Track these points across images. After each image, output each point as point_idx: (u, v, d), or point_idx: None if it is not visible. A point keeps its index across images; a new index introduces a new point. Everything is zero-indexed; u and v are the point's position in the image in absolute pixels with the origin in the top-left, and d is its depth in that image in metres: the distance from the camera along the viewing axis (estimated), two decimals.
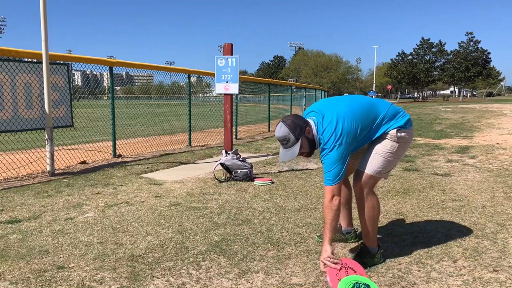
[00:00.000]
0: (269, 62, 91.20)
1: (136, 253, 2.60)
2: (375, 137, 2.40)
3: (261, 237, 2.88)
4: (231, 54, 5.02)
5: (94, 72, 6.97)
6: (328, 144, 2.25)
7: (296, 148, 2.30)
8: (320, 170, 5.28)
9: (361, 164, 2.44)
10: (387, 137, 2.39)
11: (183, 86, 8.61)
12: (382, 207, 3.60)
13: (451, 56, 57.54)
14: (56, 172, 5.22)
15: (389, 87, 72.19)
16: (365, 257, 2.42)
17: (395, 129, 2.37)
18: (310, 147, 2.35)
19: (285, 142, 2.32)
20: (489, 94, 76.27)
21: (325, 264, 2.21)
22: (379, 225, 3.09)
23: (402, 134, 2.39)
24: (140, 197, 4.01)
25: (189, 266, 2.41)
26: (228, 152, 4.91)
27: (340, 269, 2.17)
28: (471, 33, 56.15)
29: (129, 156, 6.81)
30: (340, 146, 2.23)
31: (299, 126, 2.30)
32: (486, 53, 54.80)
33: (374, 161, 2.40)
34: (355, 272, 2.17)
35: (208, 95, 16.66)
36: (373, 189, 2.46)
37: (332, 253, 2.23)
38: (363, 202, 2.42)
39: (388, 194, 4.08)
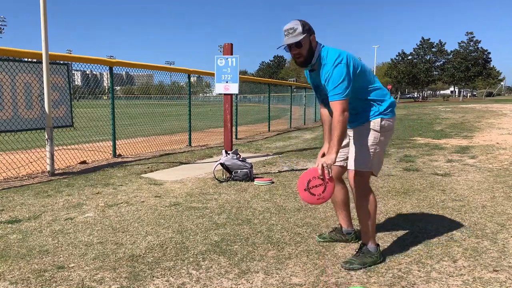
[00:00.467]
0: (269, 62, 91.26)
1: (136, 253, 2.60)
2: (365, 97, 2.44)
3: (261, 237, 2.88)
4: (231, 54, 5.02)
5: (94, 72, 6.98)
6: (330, 59, 2.31)
7: (299, 37, 2.33)
8: None
9: (349, 163, 2.49)
10: (370, 127, 2.42)
11: (183, 86, 8.61)
12: (382, 207, 3.60)
13: (451, 56, 57.59)
14: (56, 172, 5.22)
15: (389, 87, 72.11)
16: (365, 256, 2.42)
17: (380, 118, 2.42)
18: (308, 54, 2.39)
19: (291, 31, 2.36)
20: (489, 94, 76.28)
21: (322, 167, 2.28)
22: (379, 225, 3.09)
23: (385, 123, 2.43)
24: (140, 197, 4.01)
25: (189, 266, 2.41)
26: (228, 152, 4.91)
27: (322, 181, 2.29)
28: (471, 33, 56.25)
29: (129, 156, 6.81)
30: (343, 64, 2.28)
31: (308, 25, 2.39)
32: (486, 53, 54.85)
33: (360, 156, 2.43)
34: (325, 194, 2.29)
35: (208, 95, 16.66)
36: (368, 186, 2.50)
37: (333, 163, 2.28)
38: (359, 199, 2.46)
39: (388, 194, 4.08)
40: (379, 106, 2.45)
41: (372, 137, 2.42)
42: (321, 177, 2.30)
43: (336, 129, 2.26)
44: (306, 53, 2.39)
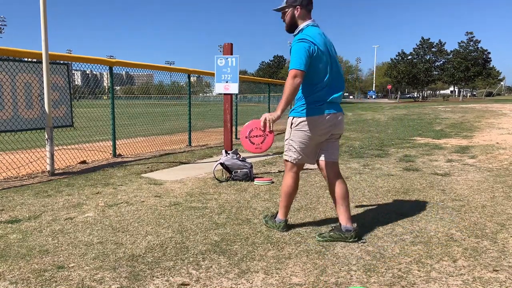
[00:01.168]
0: (269, 62, 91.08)
1: (136, 253, 2.60)
2: (300, 92, 2.80)
3: (261, 237, 2.88)
4: (231, 54, 5.02)
5: (94, 72, 6.97)
6: (299, 36, 2.70)
7: (281, 5, 2.83)
8: (319, 170, 5.27)
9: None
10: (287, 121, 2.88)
11: (183, 86, 8.61)
12: (383, 207, 3.61)
13: (451, 56, 57.53)
14: (56, 172, 5.22)
15: (389, 87, 72.17)
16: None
17: (292, 116, 2.84)
18: (290, 23, 2.83)
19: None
20: (489, 94, 76.25)
21: (265, 120, 2.67)
22: (379, 224, 3.10)
23: (296, 120, 2.79)
24: (140, 197, 4.01)
25: (189, 265, 2.41)
26: (228, 152, 4.91)
27: (263, 133, 2.58)
28: (471, 33, 56.17)
29: (129, 156, 6.81)
30: (304, 44, 2.64)
31: None
32: (486, 53, 54.80)
33: (285, 146, 2.96)
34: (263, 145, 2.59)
35: (208, 95, 16.66)
36: (290, 172, 2.92)
37: (276, 119, 2.67)
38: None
39: (388, 193, 4.08)
40: (299, 102, 2.81)
41: (287, 131, 2.88)
42: (262, 129, 2.69)
43: (285, 91, 2.65)
44: (288, 22, 2.82)
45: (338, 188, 2.85)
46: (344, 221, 2.81)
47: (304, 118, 2.75)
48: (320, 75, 2.73)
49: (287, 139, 2.87)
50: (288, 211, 3.04)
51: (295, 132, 2.80)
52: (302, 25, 2.77)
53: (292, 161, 2.88)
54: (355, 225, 2.87)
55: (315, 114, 2.74)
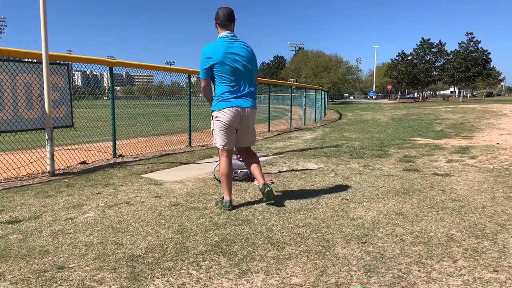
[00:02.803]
0: (269, 62, 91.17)
1: (136, 253, 2.60)
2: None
3: (261, 237, 2.88)
4: None
5: (94, 72, 6.97)
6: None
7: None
8: (319, 171, 5.28)
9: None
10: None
11: (183, 86, 8.61)
12: (383, 207, 3.61)
13: (451, 56, 57.53)
14: (56, 172, 5.22)
15: (389, 87, 72.18)
16: (220, 202, 3.63)
17: (212, 110, 3.57)
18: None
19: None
20: (489, 94, 76.25)
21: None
22: (380, 225, 3.10)
23: (214, 114, 3.54)
24: (140, 197, 4.01)
25: (189, 266, 2.41)
26: None
27: None
28: (471, 33, 56.18)
29: (129, 156, 6.81)
30: (202, 57, 3.48)
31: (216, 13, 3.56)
32: (486, 53, 54.80)
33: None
34: None
35: None
36: (222, 156, 3.61)
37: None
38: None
39: (388, 194, 4.08)
40: (214, 99, 3.54)
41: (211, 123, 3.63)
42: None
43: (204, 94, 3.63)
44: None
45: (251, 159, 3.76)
46: (261, 181, 3.60)
47: (221, 111, 3.47)
48: (224, 78, 3.45)
49: (212, 130, 3.63)
50: (231, 191, 3.58)
51: (216, 122, 3.53)
52: (219, 38, 3.53)
53: (218, 146, 3.61)
54: (268, 180, 3.88)
55: (223, 107, 3.45)
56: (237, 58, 3.45)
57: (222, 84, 3.46)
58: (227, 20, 3.51)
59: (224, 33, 3.52)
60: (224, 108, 3.44)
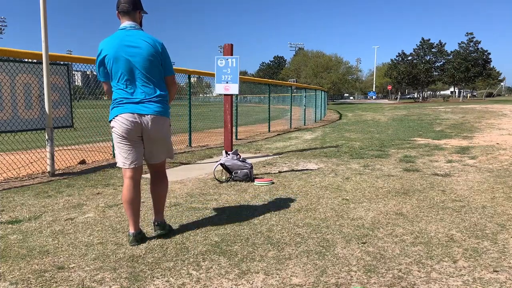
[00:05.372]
0: (269, 62, 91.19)
1: (136, 253, 2.60)
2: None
3: (261, 238, 2.88)
4: (231, 55, 5.02)
5: (94, 73, 6.97)
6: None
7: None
8: (319, 171, 5.28)
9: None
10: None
11: (183, 87, 8.61)
12: (383, 207, 3.61)
13: (451, 56, 57.50)
14: (56, 172, 5.22)
15: (389, 87, 72.23)
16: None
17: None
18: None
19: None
20: (489, 95, 76.25)
21: None
22: (380, 225, 3.10)
23: (111, 123, 2.78)
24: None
25: (189, 266, 2.42)
26: (228, 153, 4.91)
27: None
28: (471, 33, 56.12)
29: None
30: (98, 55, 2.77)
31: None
32: (486, 53, 54.77)
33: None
34: None
35: (208, 95, 16.66)
36: (125, 177, 2.93)
37: None
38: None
39: (388, 194, 4.08)
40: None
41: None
42: None
43: None
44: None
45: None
46: (156, 216, 3.03)
47: (115, 120, 2.73)
48: (120, 78, 2.71)
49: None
50: (137, 220, 2.82)
51: (112, 135, 2.83)
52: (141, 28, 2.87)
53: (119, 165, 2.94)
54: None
55: (116, 114, 2.72)
56: (134, 52, 2.67)
57: (117, 85, 2.72)
58: (129, 5, 2.77)
59: (124, 23, 2.78)
60: (117, 116, 2.69)
